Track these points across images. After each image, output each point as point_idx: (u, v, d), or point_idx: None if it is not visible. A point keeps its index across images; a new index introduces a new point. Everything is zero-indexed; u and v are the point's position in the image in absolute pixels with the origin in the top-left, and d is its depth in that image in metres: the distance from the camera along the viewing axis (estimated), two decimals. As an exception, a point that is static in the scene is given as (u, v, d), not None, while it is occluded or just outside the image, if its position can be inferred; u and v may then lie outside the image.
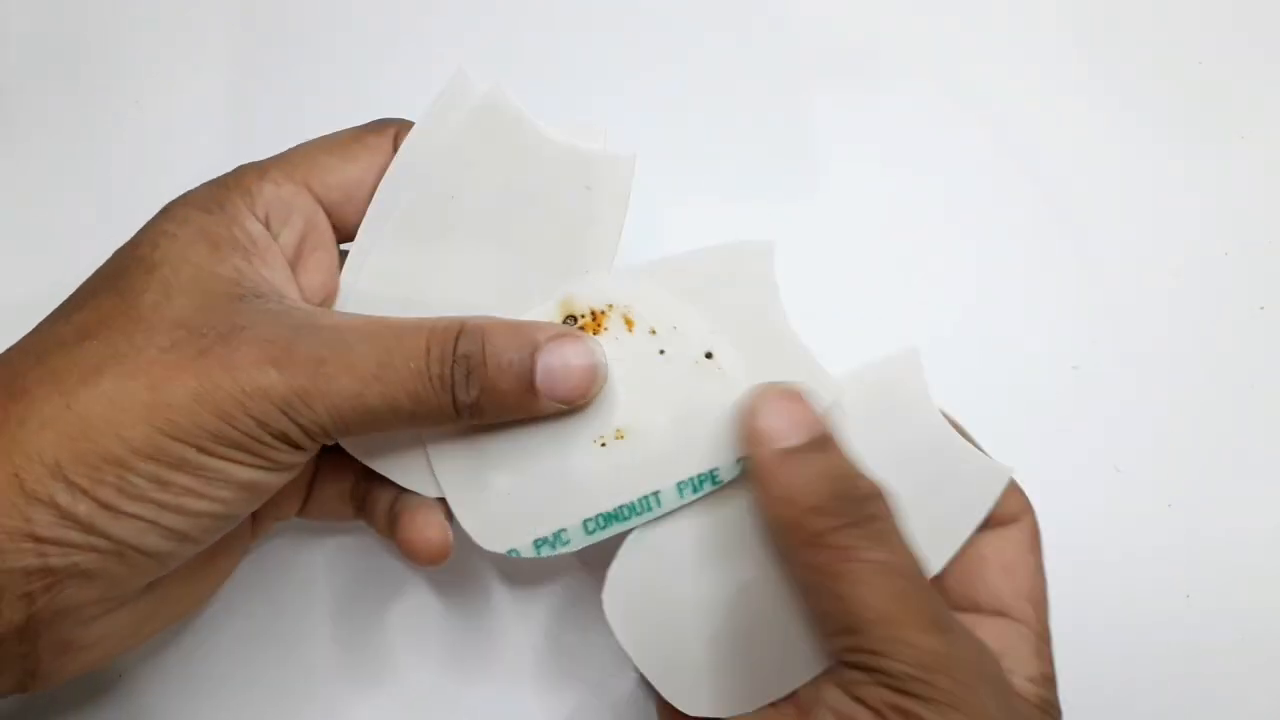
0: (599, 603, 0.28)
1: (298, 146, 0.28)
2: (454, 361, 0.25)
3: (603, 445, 0.27)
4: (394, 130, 0.29)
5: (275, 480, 0.26)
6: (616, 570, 0.28)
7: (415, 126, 0.29)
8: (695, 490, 0.27)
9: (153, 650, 0.32)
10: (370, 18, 0.41)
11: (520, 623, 0.33)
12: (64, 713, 0.32)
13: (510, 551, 0.28)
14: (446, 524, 0.28)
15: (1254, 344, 0.37)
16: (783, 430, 0.25)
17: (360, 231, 0.28)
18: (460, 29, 0.41)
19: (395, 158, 0.28)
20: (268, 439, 0.24)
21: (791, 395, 0.26)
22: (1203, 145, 0.40)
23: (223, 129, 0.39)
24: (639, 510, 0.27)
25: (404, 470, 0.28)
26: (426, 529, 0.28)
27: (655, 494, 0.27)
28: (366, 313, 0.27)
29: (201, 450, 0.24)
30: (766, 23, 0.41)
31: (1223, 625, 0.33)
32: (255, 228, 0.27)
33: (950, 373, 0.36)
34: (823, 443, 0.25)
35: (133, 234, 0.26)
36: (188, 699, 0.32)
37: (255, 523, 0.30)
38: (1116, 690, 0.33)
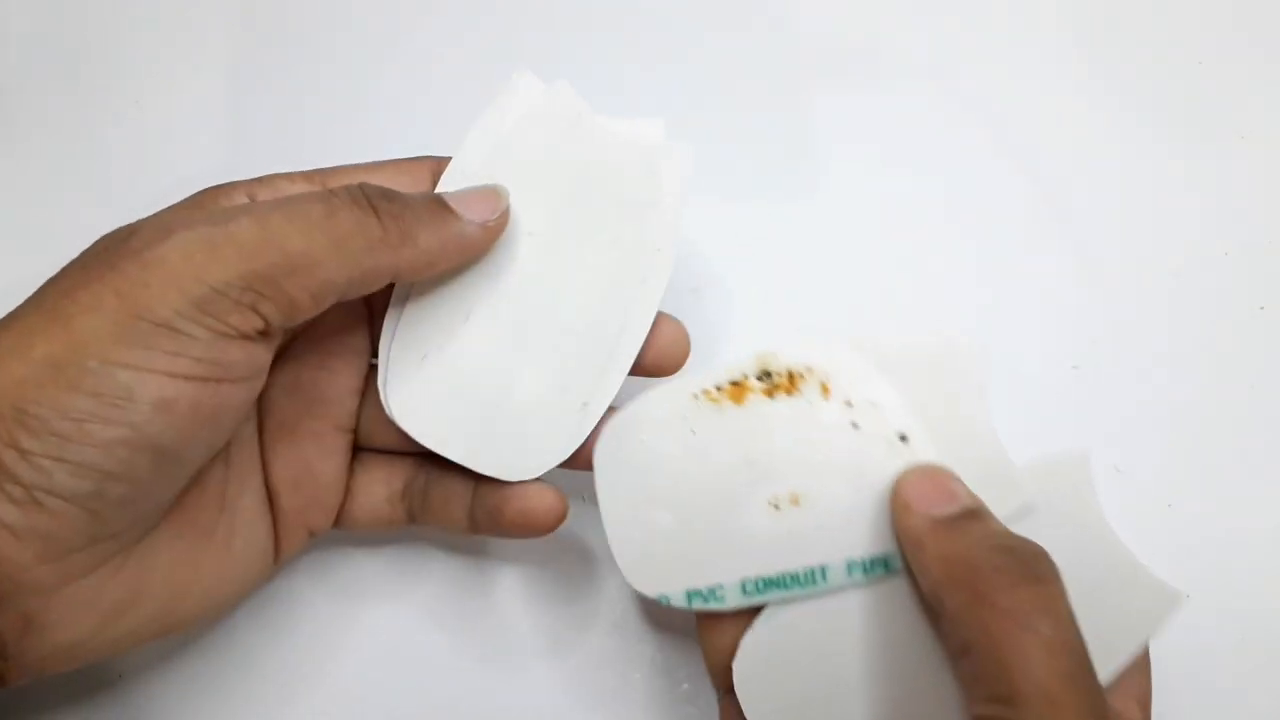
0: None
1: (335, 167, 0.29)
2: (362, 187, 0.26)
3: (776, 507, 0.27)
4: (432, 165, 0.29)
5: (190, 394, 0.23)
6: (752, 641, 0.27)
7: (475, 125, 0.30)
8: (865, 572, 0.26)
9: (153, 650, 0.32)
10: (370, 18, 0.41)
11: (532, 620, 0.33)
12: (64, 713, 0.32)
13: (661, 597, 0.27)
14: (554, 487, 0.29)
15: (1254, 344, 0.37)
16: (938, 500, 0.25)
17: None
18: (460, 29, 0.41)
19: (455, 155, 0.29)
20: (167, 335, 0.23)
21: (940, 471, 0.26)
22: (1203, 145, 0.40)
23: (223, 129, 0.39)
24: (802, 582, 0.26)
25: (495, 459, 0.29)
26: (542, 497, 0.28)
27: (822, 568, 0.26)
28: (432, 306, 0.29)
29: (105, 361, 0.22)
30: (766, 23, 0.41)
31: (1223, 625, 0.33)
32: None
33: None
34: (981, 512, 0.25)
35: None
36: (188, 699, 0.32)
37: (280, 537, 0.29)
38: (1116, 690, 0.33)
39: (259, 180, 0.28)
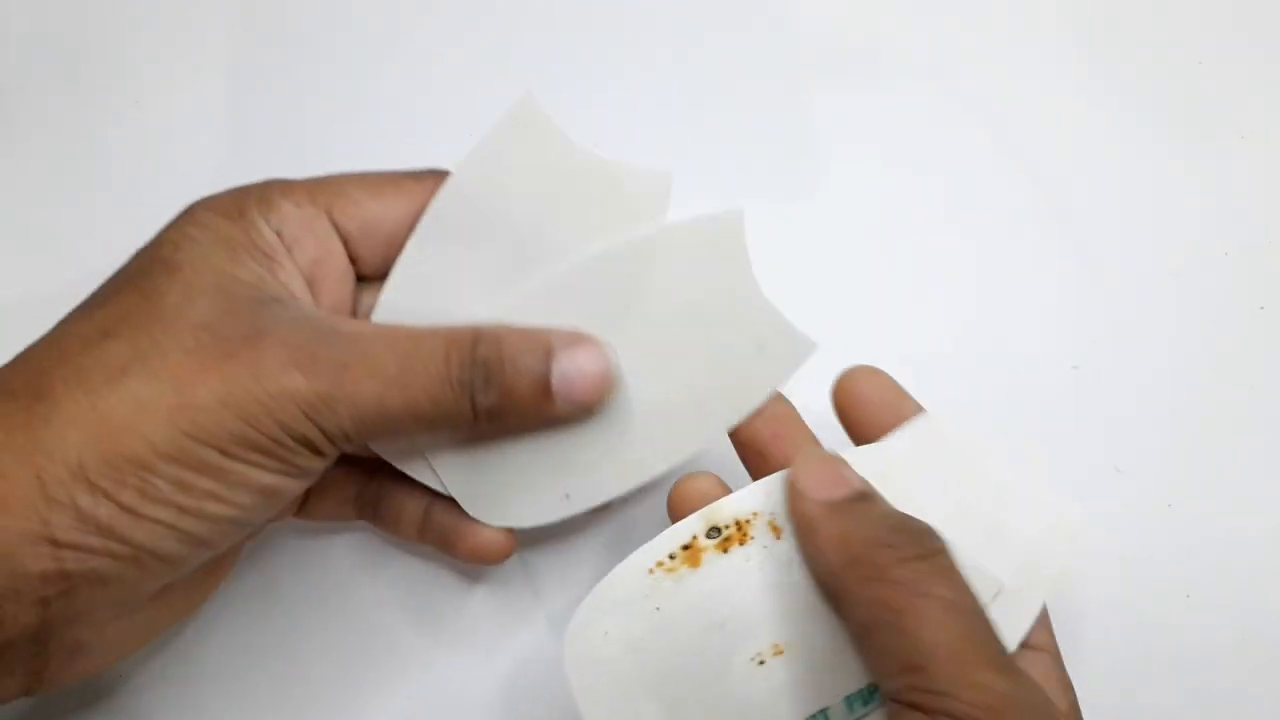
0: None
1: (334, 175, 0.28)
2: (472, 364, 0.26)
3: (760, 663, 0.26)
4: (432, 181, 0.29)
5: (294, 486, 0.26)
6: None
7: (470, 151, 0.29)
8: (865, 703, 0.26)
9: (153, 650, 0.32)
10: (370, 18, 0.41)
11: (527, 622, 0.33)
12: (65, 713, 0.32)
13: None
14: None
15: (1254, 344, 0.37)
16: (830, 485, 0.26)
17: (407, 245, 0.28)
18: (460, 29, 0.41)
19: (448, 181, 0.28)
20: (290, 443, 0.24)
21: (832, 458, 0.27)
22: (1203, 145, 0.40)
23: (223, 129, 0.39)
24: None
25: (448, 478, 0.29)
26: (495, 537, 0.29)
27: (823, 712, 0.26)
28: (404, 322, 0.27)
29: (225, 454, 0.24)
30: (766, 23, 0.41)
31: (1223, 625, 0.33)
32: (272, 238, 0.27)
33: (950, 373, 0.36)
34: (872, 495, 0.26)
35: (133, 234, 0.26)
36: (188, 699, 0.32)
37: None
38: (1116, 690, 0.33)
39: (319, 182, 0.28)
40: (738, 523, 0.27)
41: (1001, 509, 0.28)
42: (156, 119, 0.39)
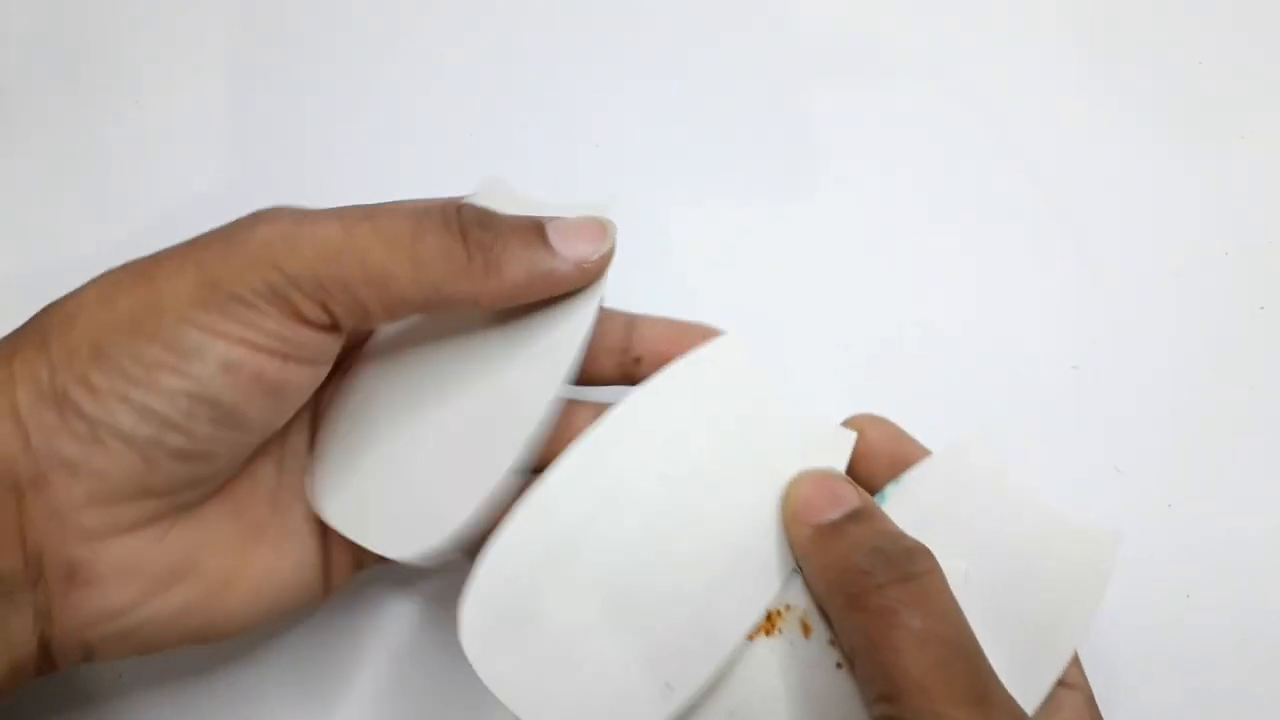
0: None
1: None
2: (459, 209, 0.26)
3: None
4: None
5: (255, 362, 0.24)
6: None
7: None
8: None
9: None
10: (370, 18, 0.41)
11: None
12: (64, 712, 0.32)
13: None
14: None
15: (1254, 344, 0.37)
16: (823, 505, 0.25)
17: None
18: (460, 29, 0.41)
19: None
20: (248, 297, 0.24)
21: (828, 474, 0.26)
22: (1203, 145, 0.40)
23: (223, 129, 0.39)
24: None
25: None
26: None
27: None
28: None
29: (181, 319, 0.24)
30: (766, 23, 0.41)
31: (1223, 625, 0.33)
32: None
33: (950, 373, 0.36)
34: (864, 512, 0.25)
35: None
36: (188, 699, 0.32)
37: (329, 561, 0.29)
38: (1117, 691, 0.33)
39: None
40: (769, 613, 0.26)
41: (1034, 542, 0.27)
42: (156, 119, 0.39)
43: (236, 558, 0.27)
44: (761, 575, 0.26)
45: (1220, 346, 0.37)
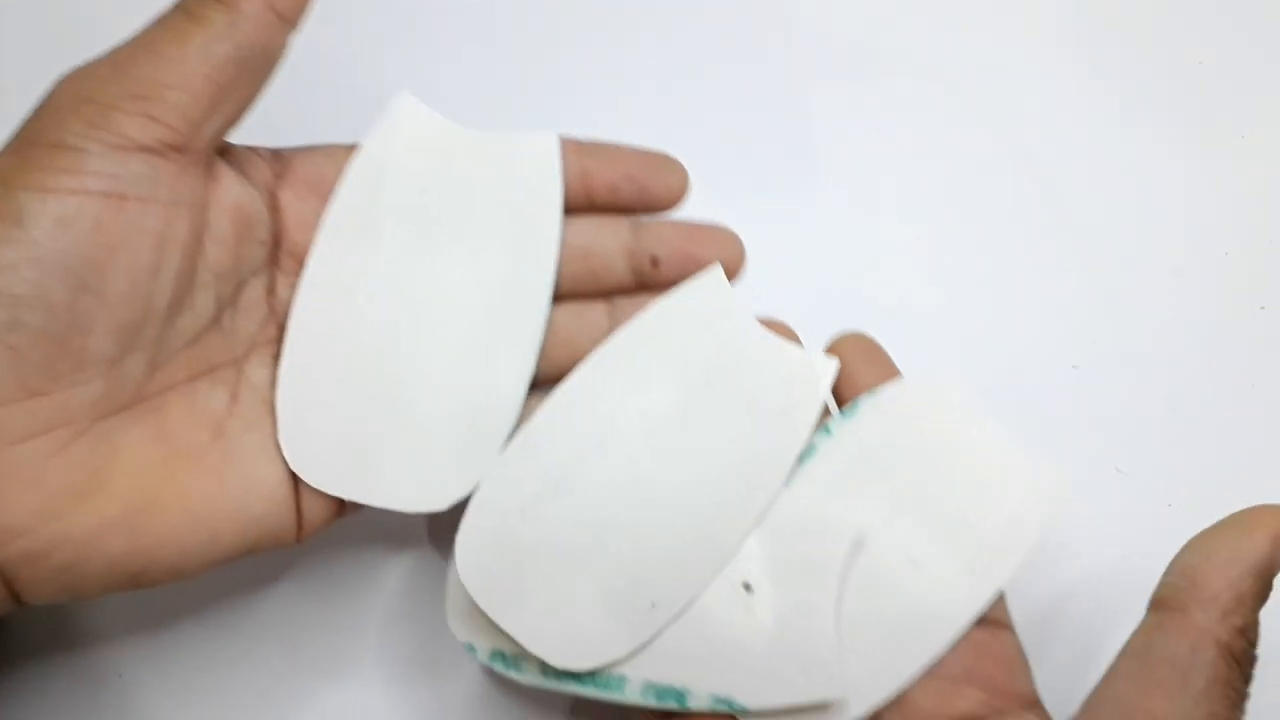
0: None
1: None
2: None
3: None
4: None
5: (91, 209, 0.23)
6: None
7: (363, 146, 0.30)
8: (658, 698, 0.26)
9: (153, 650, 0.32)
10: (370, 18, 0.41)
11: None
12: (64, 712, 0.32)
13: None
14: None
15: (1254, 344, 0.37)
16: None
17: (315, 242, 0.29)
18: (460, 29, 0.41)
19: (344, 177, 0.29)
20: (65, 153, 0.23)
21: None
22: (1203, 145, 0.40)
23: (223, 129, 0.39)
24: (602, 685, 0.27)
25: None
26: None
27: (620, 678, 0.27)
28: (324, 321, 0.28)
29: (8, 187, 0.23)
30: (766, 21, 0.41)
31: (1223, 625, 0.33)
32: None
33: (950, 372, 0.36)
34: None
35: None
36: (188, 699, 0.32)
37: (301, 499, 0.28)
38: (1116, 690, 0.33)
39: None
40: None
41: (974, 478, 0.28)
42: (156, 119, 0.39)
43: (158, 479, 0.25)
44: (746, 501, 0.27)
45: (1220, 346, 0.37)
